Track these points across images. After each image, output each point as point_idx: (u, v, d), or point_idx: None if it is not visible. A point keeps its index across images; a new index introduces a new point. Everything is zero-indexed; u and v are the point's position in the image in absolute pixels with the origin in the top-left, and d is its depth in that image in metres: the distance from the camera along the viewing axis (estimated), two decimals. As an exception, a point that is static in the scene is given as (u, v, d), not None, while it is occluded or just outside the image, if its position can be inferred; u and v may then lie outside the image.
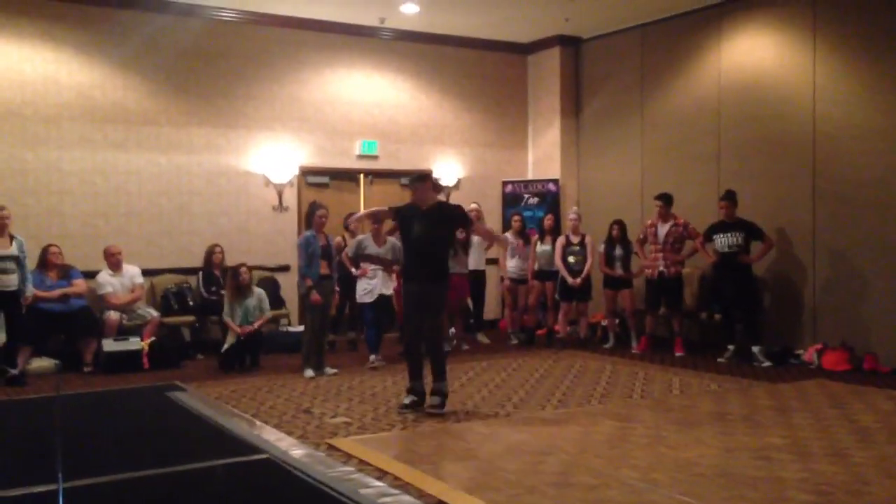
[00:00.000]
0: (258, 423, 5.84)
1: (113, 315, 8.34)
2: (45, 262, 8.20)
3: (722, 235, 8.51)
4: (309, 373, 7.78)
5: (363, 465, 4.78)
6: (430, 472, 4.64)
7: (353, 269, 8.43)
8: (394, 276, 8.33)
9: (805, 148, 8.60)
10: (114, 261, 8.57)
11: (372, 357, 8.34)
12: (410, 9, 9.65)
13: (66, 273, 8.28)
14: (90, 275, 8.54)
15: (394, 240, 8.50)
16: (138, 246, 9.07)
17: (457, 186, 11.28)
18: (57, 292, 8.08)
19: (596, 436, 5.49)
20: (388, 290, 8.40)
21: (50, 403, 6.59)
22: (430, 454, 5.10)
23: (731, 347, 8.54)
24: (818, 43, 8.49)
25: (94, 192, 9.06)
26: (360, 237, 8.46)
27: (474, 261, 9.43)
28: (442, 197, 8.98)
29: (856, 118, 8.17)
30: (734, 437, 5.41)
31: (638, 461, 4.86)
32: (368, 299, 8.37)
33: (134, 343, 8.09)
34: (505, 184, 11.58)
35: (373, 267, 8.38)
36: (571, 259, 9.44)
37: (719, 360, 8.46)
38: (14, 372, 7.41)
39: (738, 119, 9.32)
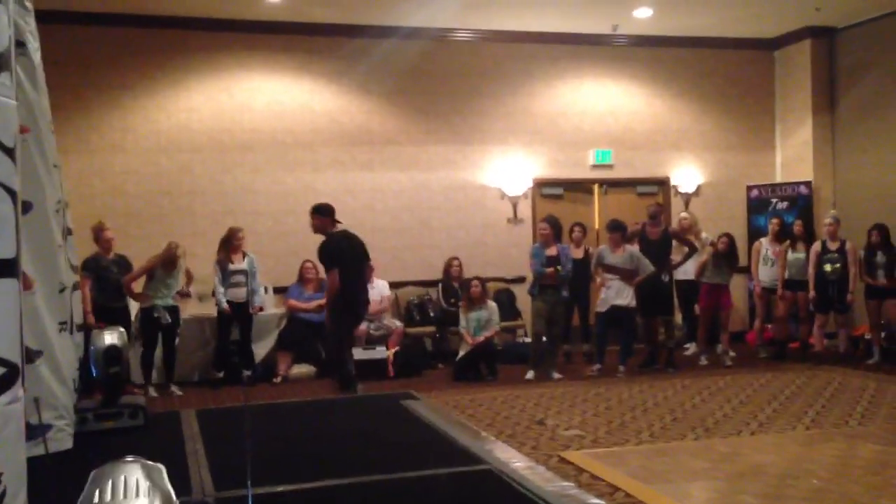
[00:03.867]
0: (488, 433, 5.91)
1: (362, 325, 8.89)
2: (302, 277, 8.94)
3: None
4: (529, 375, 8.14)
5: (595, 480, 4.70)
6: (664, 492, 4.47)
7: (597, 279, 8.58)
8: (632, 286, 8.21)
9: None
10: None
11: (594, 367, 8.38)
12: (644, 13, 9.44)
13: (322, 286, 8.95)
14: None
15: (632, 248, 8.36)
16: (384, 260, 9.59)
17: (696, 193, 10.82)
18: (313, 304, 8.76)
19: (853, 460, 5.01)
20: (624, 301, 8.23)
21: (295, 408, 7.13)
22: (666, 472, 4.92)
23: None
24: None
25: (344, 210, 9.67)
26: (600, 247, 8.50)
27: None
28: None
29: None
30: None
31: (903, 491, 4.37)
32: (601, 309, 8.32)
33: (380, 352, 8.57)
34: (750, 188, 10.93)
35: (610, 277, 8.28)
36: (828, 268, 8.71)
37: None
38: (247, 373, 8.13)
39: None
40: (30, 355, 3.53)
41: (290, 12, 9.17)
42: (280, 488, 4.57)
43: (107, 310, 7.59)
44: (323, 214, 7.77)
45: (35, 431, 3.48)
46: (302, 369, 8.63)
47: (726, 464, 5.01)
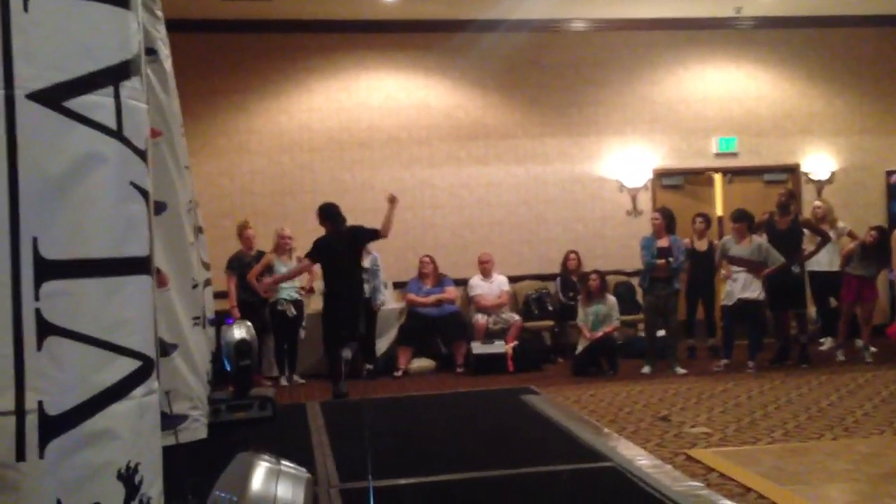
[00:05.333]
0: (611, 430, 5.78)
1: (481, 318, 8.90)
2: (420, 271, 9.03)
3: None
4: (645, 369, 8.01)
5: (724, 479, 4.52)
6: (800, 493, 4.26)
7: (722, 272, 8.31)
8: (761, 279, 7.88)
9: None
10: (484, 268, 9.15)
11: (722, 361, 8.07)
12: (768, -6, 9.03)
13: (440, 280, 9.04)
14: (461, 282, 9.22)
15: (760, 239, 8.03)
16: (501, 254, 9.56)
17: (830, 180, 10.26)
18: (431, 298, 8.84)
19: None
20: (752, 294, 7.90)
21: (414, 402, 7.21)
22: (801, 473, 4.68)
23: None
24: None
25: (460, 205, 9.79)
26: (724, 238, 8.23)
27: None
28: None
29: None
30: None
31: None
32: (727, 302, 8.05)
33: (499, 346, 8.53)
34: (889, 174, 10.27)
35: (735, 269, 7.98)
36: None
37: None
38: (369, 367, 8.26)
39: None
40: (165, 348, 3.71)
41: (404, 10, 9.27)
42: (401, 481, 4.62)
43: (248, 304, 7.95)
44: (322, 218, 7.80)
45: (170, 422, 3.64)
46: (422, 363, 8.72)
47: (868, 465, 4.72)
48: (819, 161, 10.26)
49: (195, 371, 4.41)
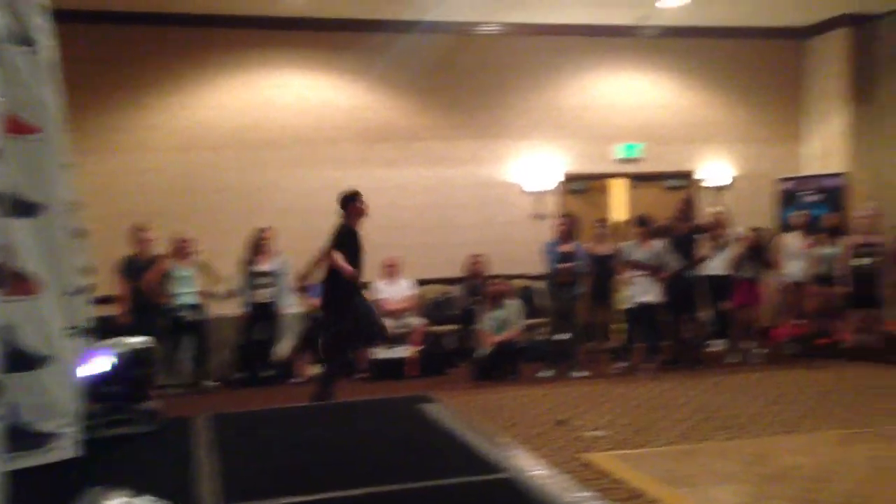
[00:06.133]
0: (508, 436, 5.76)
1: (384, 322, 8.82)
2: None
3: None
4: (546, 373, 8.14)
5: (617, 483, 4.58)
6: (690, 496, 4.35)
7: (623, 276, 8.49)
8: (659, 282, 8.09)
9: None
10: (389, 271, 9.07)
11: (620, 364, 8.30)
12: (672, 2, 9.26)
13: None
14: (368, 285, 9.11)
15: (659, 244, 8.24)
16: (410, 257, 9.49)
17: (727, 186, 10.61)
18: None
19: (889, 461, 4.83)
20: (650, 297, 8.10)
21: (307, 412, 6.97)
22: (693, 475, 4.78)
23: None
24: None
25: (370, 207, 9.65)
26: (625, 243, 8.45)
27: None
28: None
29: None
30: None
31: (941, 497, 4.19)
32: (627, 305, 8.29)
33: (401, 351, 8.48)
34: (780, 181, 10.68)
35: (636, 273, 8.16)
36: (863, 261, 8.49)
37: None
38: (265, 374, 8.12)
39: None
40: (32, 361, 3.49)
41: (314, 8, 9.12)
42: (285, 500, 4.44)
43: (142, 310, 7.64)
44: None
45: (35, 441, 3.44)
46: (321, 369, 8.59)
47: (756, 466, 4.86)
48: (718, 168, 10.59)
49: (68, 384, 4.16)
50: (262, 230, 8.39)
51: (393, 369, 8.29)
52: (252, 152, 9.37)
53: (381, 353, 8.41)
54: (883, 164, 10.11)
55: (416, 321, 9.02)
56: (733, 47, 10.64)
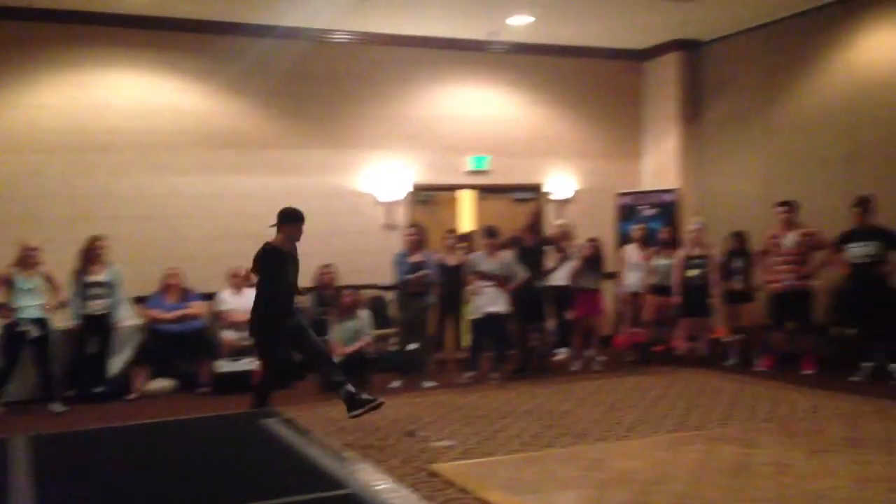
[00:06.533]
0: (354, 450, 5.67)
1: (229, 335, 8.53)
2: (164, 285, 8.50)
3: (855, 245, 7.88)
4: (395, 383, 8.15)
5: (462, 494, 4.60)
6: (532, 503, 4.42)
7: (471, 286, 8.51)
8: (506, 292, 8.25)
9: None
10: (235, 282, 8.76)
11: (468, 373, 8.36)
12: (521, 20, 9.51)
13: (185, 296, 8.55)
14: (211, 296, 8.78)
15: (507, 255, 8.41)
16: (255, 267, 9.24)
17: (570, 200, 10.99)
18: (174, 314, 8.35)
19: (714, 463, 5.12)
20: (498, 308, 8.25)
21: (139, 430, 6.62)
22: (535, 482, 4.89)
23: (866, 365, 7.88)
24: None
25: (212, 215, 9.33)
26: (474, 254, 8.51)
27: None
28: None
29: None
30: (869, 467, 4.92)
31: (760, 492, 4.48)
32: (474, 316, 8.37)
33: (247, 363, 8.21)
34: (619, 195, 11.19)
35: (483, 284, 8.28)
36: (692, 273, 9.00)
37: (852, 379, 7.81)
38: (97, 390, 7.74)
39: (875, 119, 8.64)
40: None
41: (158, 7, 8.71)
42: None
43: None
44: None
45: None
46: (162, 384, 8.21)
47: (594, 471, 5.02)
48: (562, 182, 10.96)
49: None
50: (96, 238, 7.91)
51: (238, 383, 7.99)
52: (81, 156, 8.75)
53: (226, 365, 8.11)
54: (709, 181, 10.79)
55: (262, 333, 8.74)
56: (578, 66, 11.06)
